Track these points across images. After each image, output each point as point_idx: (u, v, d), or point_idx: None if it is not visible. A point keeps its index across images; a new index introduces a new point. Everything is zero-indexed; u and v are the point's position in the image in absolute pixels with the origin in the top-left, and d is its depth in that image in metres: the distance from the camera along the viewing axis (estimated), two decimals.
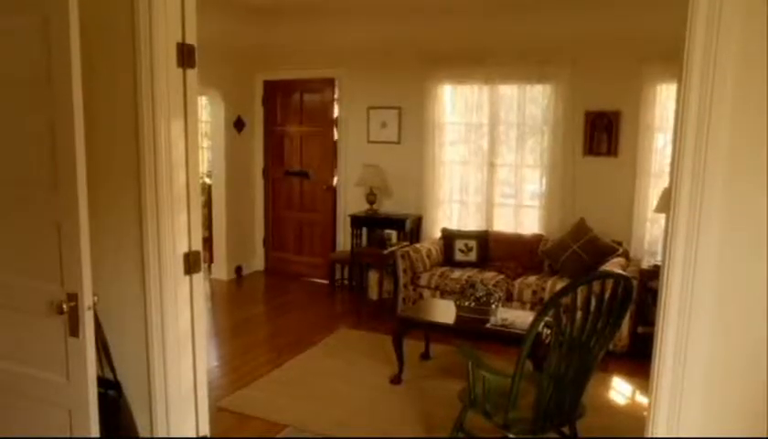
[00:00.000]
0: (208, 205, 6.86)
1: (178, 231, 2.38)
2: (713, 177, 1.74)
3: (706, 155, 1.72)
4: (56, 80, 1.97)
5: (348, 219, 6.33)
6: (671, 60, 4.92)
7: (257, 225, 7.05)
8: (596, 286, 2.53)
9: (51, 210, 2.07)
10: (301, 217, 6.87)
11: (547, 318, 2.51)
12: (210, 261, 6.79)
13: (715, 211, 1.76)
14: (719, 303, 1.82)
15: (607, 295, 2.50)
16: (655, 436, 1.89)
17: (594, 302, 2.50)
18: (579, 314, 2.50)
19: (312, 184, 6.72)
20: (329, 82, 6.44)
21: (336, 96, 6.49)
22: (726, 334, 1.83)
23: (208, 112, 6.88)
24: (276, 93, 6.77)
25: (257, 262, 7.08)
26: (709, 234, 1.77)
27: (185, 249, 2.41)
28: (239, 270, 6.85)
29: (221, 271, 6.72)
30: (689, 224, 1.77)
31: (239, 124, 6.67)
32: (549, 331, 3.43)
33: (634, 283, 2.73)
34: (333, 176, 6.63)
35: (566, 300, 2.43)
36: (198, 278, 2.50)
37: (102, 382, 2.33)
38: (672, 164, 1.79)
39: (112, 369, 2.49)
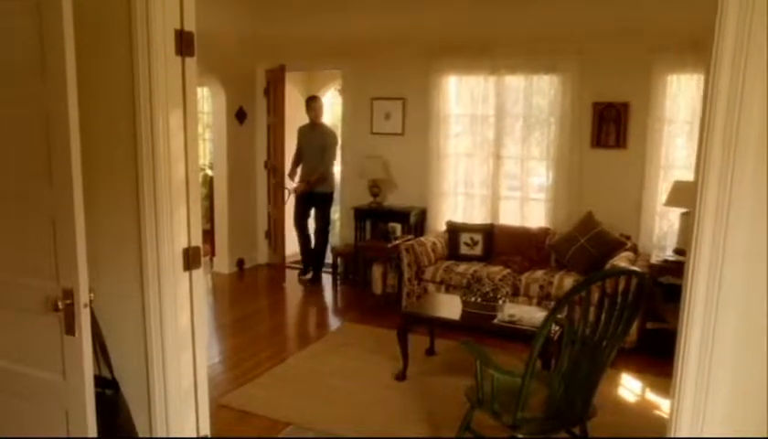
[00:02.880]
0: (209, 197, 6.79)
1: (177, 226, 2.31)
2: (742, 171, 1.64)
3: (735, 147, 1.62)
4: (49, 70, 1.90)
5: (352, 212, 6.26)
6: (682, 50, 4.82)
7: (259, 217, 6.95)
8: (609, 283, 2.45)
9: (46, 205, 2.01)
10: (276, 211, 6.56)
11: (558, 316, 2.44)
12: (212, 254, 6.72)
13: (744, 206, 1.66)
14: (747, 301, 1.73)
15: (620, 293, 2.42)
16: (677, 437, 1.82)
17: (607, 300, 2.43)
18: (590, 311, 2.42)
19: (279, 176, 6.36)
20: (283, 69, 6.09)
21: (285, 84, 6.16)
22: (755, 333, 1.74)
23: (209, 103, 6.80)
24: (270, 84, 6.59)
25: (259, 255, 7.01)
26: (737, 230, 1.68)
27: (184, 244, 2.34)
28: (240, 263, 6.78)
29: (223, 264, 6.66)
30: (716, 220, 1.68)
31: (240, 115, 6.58)
32: (557, 328, 3.36)
33: None
34: (282, 170, 6.23)
35: (576, 297, 2.36)
36: (198, 274, 2.43)
37: (100, 381, 2.28)
38: (698, 157, 1.70)
39: (110, 368, 2.43)
